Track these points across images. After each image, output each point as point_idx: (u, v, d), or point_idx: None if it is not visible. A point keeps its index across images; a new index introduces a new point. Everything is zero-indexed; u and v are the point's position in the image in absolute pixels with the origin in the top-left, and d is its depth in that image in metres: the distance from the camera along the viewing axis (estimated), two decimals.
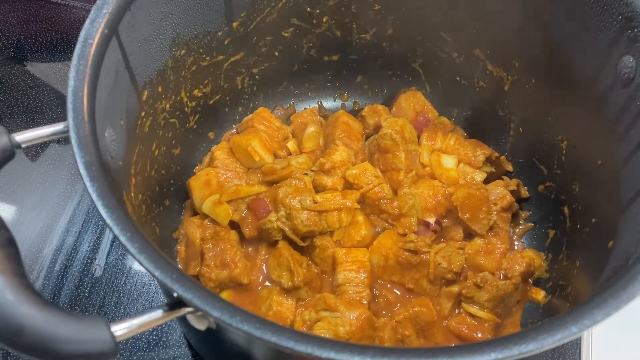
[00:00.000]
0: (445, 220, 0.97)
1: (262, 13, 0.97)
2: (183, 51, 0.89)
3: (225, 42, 0.96)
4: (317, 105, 1.17)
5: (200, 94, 0.99)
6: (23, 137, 0.63)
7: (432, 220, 0.96)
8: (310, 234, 0.92)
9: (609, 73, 0.77)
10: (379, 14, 1.02)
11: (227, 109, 1.08)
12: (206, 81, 0.99)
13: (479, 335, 0.89)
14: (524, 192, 1.03)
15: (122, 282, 1.03)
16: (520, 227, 1.02)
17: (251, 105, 1.12)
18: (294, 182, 0.94)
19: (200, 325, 0.58)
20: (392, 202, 0.95)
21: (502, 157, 1.06)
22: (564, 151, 0.93)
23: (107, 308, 1.01)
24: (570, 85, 0.87)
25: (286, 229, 0.91)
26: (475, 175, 1.01)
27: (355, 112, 1.10)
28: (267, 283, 0.94)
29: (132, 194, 0.78)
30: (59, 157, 1.16)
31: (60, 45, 1.32)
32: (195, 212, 0.99)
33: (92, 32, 0.67)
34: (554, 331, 0.52)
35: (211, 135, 1.08)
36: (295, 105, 1.16)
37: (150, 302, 1.02)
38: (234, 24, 0.95)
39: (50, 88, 1.26)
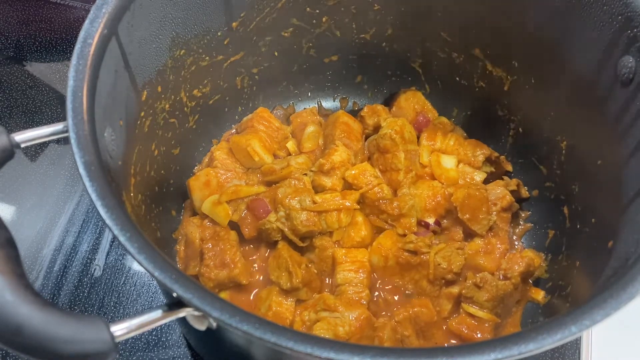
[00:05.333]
0: (445, 221, 0.97)
1: (262, 13, 0.97)
2: (182, 51, 0.89)
3: (225, 42, 0.96)
4: (316, 105, 1.17)
5: (199, 94, 0.99)
6: (22, 137, 0.63)
7: (431, 220, 0.96)
8: (309, 234, 0.92)
9: (609, 73, 0.77)
10: (379, 14, 1.02)
11: (226, 109, 1.08)
12: (206, 81, 0.99)
13: (479, 335, 0.89)
14: (524, 192, 1.03)
15: (121, 282, 1.03)
16: (520, 227, 1.02)
17: (251, 105, 1.11)
18: (293, 182, 0.94)
19: (200, 326, 0.58)
20: (391, 203, 0.95)
21: (502, 157, 1.06)
22: (564, 151, 0.93)
23: (107, 308, 1.00)
24: (570, 85, 0.87)
25: (285, 229, 0.91)
26: (475, 175, 1.01)
27: (354, 112, 1.10)
28: (266, 284, 0.94)
29: (132, 194, 0.78)
30: (58, 157, 1.16)
31: (60, 45, 1.32)
32: (194, 212, 0.99)
33: (91, 32, 0.67)
34: (553, 331, 0.52)
35: (214, 142, 1.08)
36: (294, 105, 1.16)
37: (150, 302, 1.02)
38: (234, 24, 0.95)
39: (49, 88, 1.26)
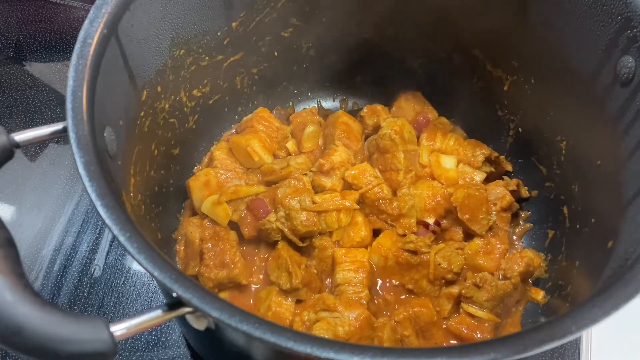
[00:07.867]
0: (445, 221, 0.97)
1: (262, 13, 0.97)
2: (182, 51, 0.89)
3: (225, 42, 0.96)
4: (316, 105, 1.17)
5: (199, 94, 0.99)
6: (22, 136, 0.63)
7: (431, 220, 0.96)
8: (309, 234, 0.92)
9: (608, 73, 0.77)
10: (379, 14, 1.02)
11: (226, 109, 1.08)
12: (205, 81, 0.99)
13: (479, 335, 0.89)
14: (524, 192, 1.03)
15: (121, 282, 1.03)
16: (520, 227, 1.02)
17: (250, 105, 1.11)
18: (293, 182, 0.94)
19: (200, 325, 0.58)
20: (391, 203, 0.95)
21: (502, 157, 1.06)
22: (564, 151, 0.93)
23: (106, 308, 1.00)
24: (570, 85, 0.87)
25: (285, 229, 0.91)
26: (474, 175, 1.01)
27: (354, 112, 1.10)
28: (266, 284, 0.94)
29: (132, 194, 0.78)
30: (58, 157, 1.16)
31: (60, 45, 1.32)
32: (194, 212, 0.99)
33: (91, 32, 0.67)
34: (553, 331, 0.52)
35: (214, 142, 1.08)
36: (294, 105, 1.16)
37: (150, 302, 1.02)
38: (234, 24, 0.95)
39: (49, 88, 1.26)
